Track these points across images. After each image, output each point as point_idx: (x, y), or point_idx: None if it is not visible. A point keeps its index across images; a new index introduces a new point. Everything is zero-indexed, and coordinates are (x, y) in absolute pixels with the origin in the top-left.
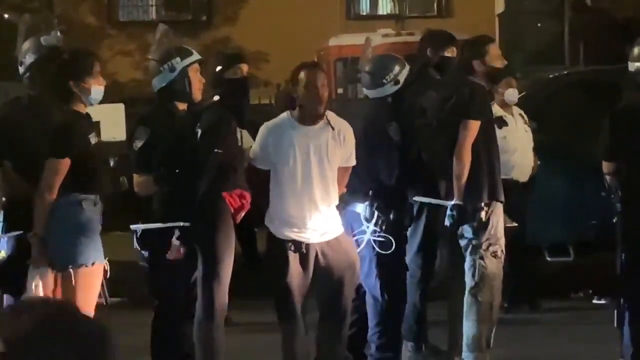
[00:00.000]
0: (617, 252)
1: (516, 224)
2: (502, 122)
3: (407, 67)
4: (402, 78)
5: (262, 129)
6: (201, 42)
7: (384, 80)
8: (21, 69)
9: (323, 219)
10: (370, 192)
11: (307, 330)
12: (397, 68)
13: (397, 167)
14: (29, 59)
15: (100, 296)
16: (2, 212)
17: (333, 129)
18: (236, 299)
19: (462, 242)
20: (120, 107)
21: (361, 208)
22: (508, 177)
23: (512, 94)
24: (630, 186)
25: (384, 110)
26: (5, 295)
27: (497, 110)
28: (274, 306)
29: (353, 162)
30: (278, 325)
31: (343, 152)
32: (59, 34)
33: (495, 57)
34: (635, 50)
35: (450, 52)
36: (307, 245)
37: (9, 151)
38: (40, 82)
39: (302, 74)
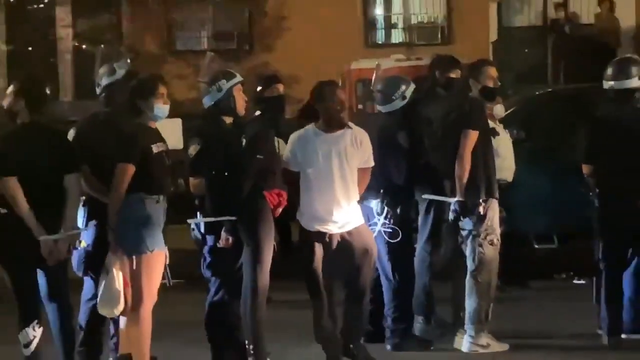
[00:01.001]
0: (594, 240)
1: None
2: (494, 133)
3: (412, 85)
4: (408, 94)
5: (292, 137)
6: (244, 67)
7: (393, 97)
8: (98, 90)
9: (344, 212)
10: (382, 190)
11: (334, 306)
12: (403, 86)
13: (405, 169)
14: (104, 81)
15: (164, 278)
16: (84, 208)
17: (350, 136)
18: (276, 281)
19: (464, 232)
20: (178, 121)
21: (374, 203)
22: (501, 178)
23: (499, 109)
24: (604, 185)
25: (394, 121)
26: (85, 278)
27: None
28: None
29: (372, 163)
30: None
31: (361, 155)
32: (128, 60)
33: (488, 78)
34: (608, 71)
35: (455, 74)
36: (330, 235)
37: (87, 157)
38: (113, 101)
39: (324, 90)
